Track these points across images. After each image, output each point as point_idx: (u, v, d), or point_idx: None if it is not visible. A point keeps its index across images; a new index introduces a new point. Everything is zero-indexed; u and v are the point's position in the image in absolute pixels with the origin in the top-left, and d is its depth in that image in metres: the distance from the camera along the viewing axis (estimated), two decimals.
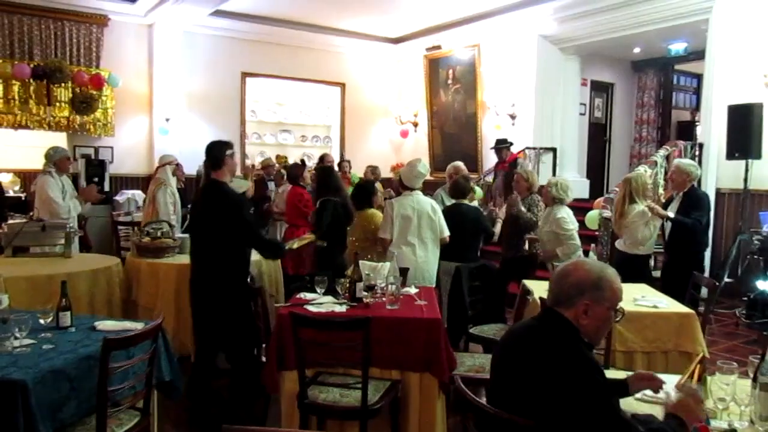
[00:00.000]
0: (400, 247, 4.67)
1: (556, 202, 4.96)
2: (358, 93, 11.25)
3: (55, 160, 5.55)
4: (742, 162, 6.42)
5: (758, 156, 6.33)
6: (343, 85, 11.10)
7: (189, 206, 5.33)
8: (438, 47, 10.29)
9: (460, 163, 6.31)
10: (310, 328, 3.00)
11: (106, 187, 8.41)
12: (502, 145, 8.45)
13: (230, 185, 4.42)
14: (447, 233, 4.79)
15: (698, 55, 8.27)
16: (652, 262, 5.89)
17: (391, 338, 3.26)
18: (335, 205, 4.95)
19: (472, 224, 5.12)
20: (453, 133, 10.38)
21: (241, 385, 3.84)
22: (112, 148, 8.99)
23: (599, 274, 1.99)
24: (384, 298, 3.56)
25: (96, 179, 8.24)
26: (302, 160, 8.80)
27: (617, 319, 2.03)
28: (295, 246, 4.54)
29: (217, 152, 3.89)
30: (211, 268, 3.81)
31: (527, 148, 8.82)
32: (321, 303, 3.54)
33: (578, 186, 9.28)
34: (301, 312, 3.20)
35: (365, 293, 3.58)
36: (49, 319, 2.83)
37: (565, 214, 4.97)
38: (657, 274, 5.61)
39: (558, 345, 1.90)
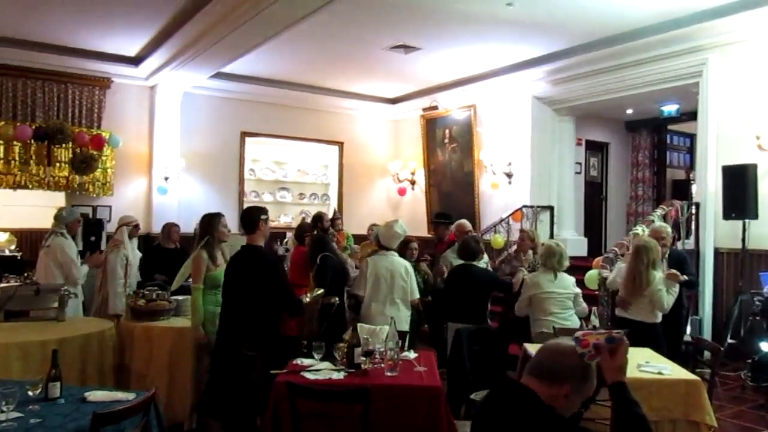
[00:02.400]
0: (370, 306, 4.89)
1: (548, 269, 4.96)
2: (356, 152, 11.38)
3: (68, 222, 5.58)
4: (740, 222, 6.44)
5: (755, 216, 6.35)
6: (341, 144, 11.23)
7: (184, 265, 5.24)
8: (434, 107, 10.49)
9: (464, 222, 6.30)
10: (307, 399, 2.92)
11: (103, 246, 8.35)
12: (440, 220, 7.19)
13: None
14: (416, 296, 5.01)
15: (690, 116, 8.42)
16: None
17: (391, 406, 3.18)
18: (334, 261, 4.98)
19: (482, 287, 5.13)
20: (450, 191, 10.45)
21: None
22: (110, 207, 8.98)
23: (589, 365, 1.95)
24: (383, 364, 3.48)
25: (93, 238, 8.18)
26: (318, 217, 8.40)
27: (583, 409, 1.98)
28: (308, 300, 4.54)
29: (252, 217, 4.11)
30: (245, 329, 3.88)
31: (524, 206, 8.86)
32: (318, 369, 3.46)
33: (576, 244, 9.29)
34: (297, 381, 3.12)
35: (363, 359, 3.51)
36: (38, 391, 2.74)
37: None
38: None
39: (522, 419, 1.84)
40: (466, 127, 10.04)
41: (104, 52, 8.53)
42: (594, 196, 10.73)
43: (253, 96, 10.09)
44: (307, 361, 3.61)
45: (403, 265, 4.97)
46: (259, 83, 9.88)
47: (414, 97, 10.79)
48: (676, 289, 4.73)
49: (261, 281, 3.95)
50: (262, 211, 4.17)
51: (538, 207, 8.91)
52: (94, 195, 8.81)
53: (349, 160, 11.29)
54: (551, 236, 8.48)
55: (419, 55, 8.38)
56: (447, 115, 10.39)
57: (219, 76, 9.14)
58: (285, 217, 10.79)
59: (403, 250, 5.49)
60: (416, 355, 3.89)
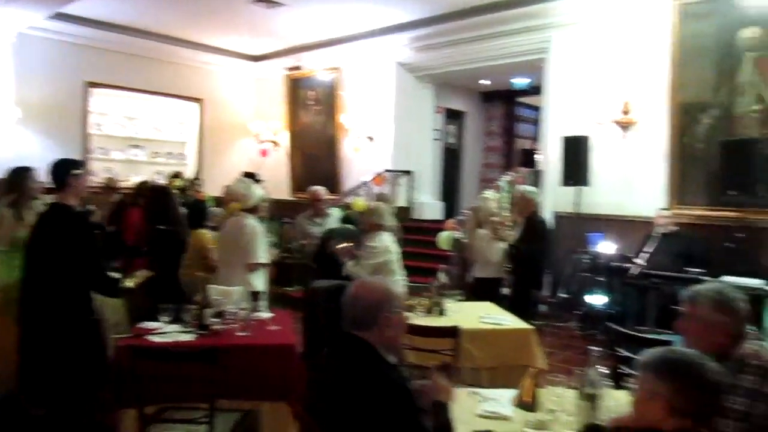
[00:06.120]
0: None
1: (374, 229, 4.55)
2: (217, 110, 10.91)
3: None
4: (575, 188, 7.06)
5: (587, 183, 6.99)
6: (201, 101, 10.71)
7: None
8: (298, 68, 10.30)
9: (319, 188, 6.25)
10: (152, 361, 2.81)
11: None
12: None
13: None
14: (252, 260, 4.36)
15: (539, 89, 9.02)
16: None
17: (243, 366, 3.15)
18: (175, 234, 4.69)
19: None
20: (314, 153, 10.40)
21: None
22: None
23: (386, 287, 2.13)
24: (235, 325, 3.44)
25: None
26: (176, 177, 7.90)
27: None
28: (133, 284, 4.16)
29: (58, 171, 3.56)
30: (53, 297, 3.43)
31: (386, 170, 9.06)
32: (165, 332, 3.33)
33: (433, 208, 9.72)
34: (140, 343, 2.99)
35: (214, 320, 3.43)
36: None
37: (378, 242, 4.50)
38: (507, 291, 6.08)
39: (362, 371, 1.96)
40: (330, 90, 9.98)
41: None
42: (451, 162, 11.21)
43: (101, 42, 9.26)
44: (152, 324, 3.46)
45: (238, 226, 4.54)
46: (108, 29, 9.08)
47: (278, 56, 10.52)
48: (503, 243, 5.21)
49: (68, 248, 3.45)
50: (74, 164, 3.64)
51: (398, 171, 9.15)
52: None
53: (210, 118, 10.81)
54: (409, 200, 8.77)
55: (282, 11, 8.14)
56: (311, 76, 10.25)
57: (60, 17, 8.26)
58: (137, 177, 10.11)
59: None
60: (272, 315, 3.88)
